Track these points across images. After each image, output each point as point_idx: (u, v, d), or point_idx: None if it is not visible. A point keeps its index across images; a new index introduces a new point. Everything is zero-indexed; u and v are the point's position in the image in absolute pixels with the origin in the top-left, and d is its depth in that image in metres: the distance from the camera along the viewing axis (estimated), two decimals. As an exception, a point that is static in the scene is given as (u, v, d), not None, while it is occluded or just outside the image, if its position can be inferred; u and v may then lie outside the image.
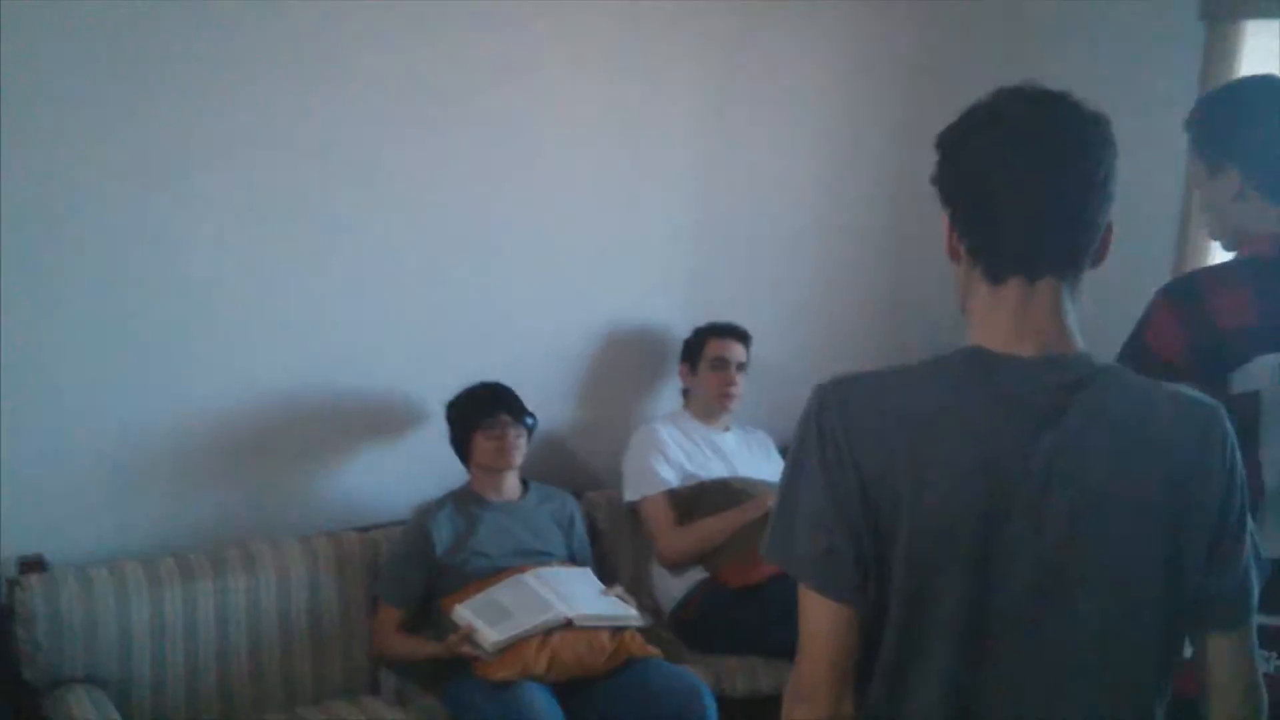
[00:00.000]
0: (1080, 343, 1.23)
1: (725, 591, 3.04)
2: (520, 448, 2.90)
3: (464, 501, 2.89)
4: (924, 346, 3.87)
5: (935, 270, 3.91)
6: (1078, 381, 1.19)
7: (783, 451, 3.52)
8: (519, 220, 3.14)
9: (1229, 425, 1.23)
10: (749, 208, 3.59)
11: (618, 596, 2.82)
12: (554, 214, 3.20)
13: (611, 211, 3.32)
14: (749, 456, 3.40)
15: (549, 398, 3.18)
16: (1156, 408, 1.21)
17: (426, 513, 2.85)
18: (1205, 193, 1.93)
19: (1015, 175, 1.20)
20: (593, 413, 3.40)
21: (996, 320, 1.23)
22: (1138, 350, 1.83)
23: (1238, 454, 1.23)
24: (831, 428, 1.19)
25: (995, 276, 1.24)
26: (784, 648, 2.83)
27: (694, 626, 3.09)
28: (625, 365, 3.45)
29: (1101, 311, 3.54)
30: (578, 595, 2.75)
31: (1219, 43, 3.41)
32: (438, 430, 2.96)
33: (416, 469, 3.05)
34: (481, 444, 2.86)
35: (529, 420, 2.92)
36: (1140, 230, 3.61)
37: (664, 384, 3.51)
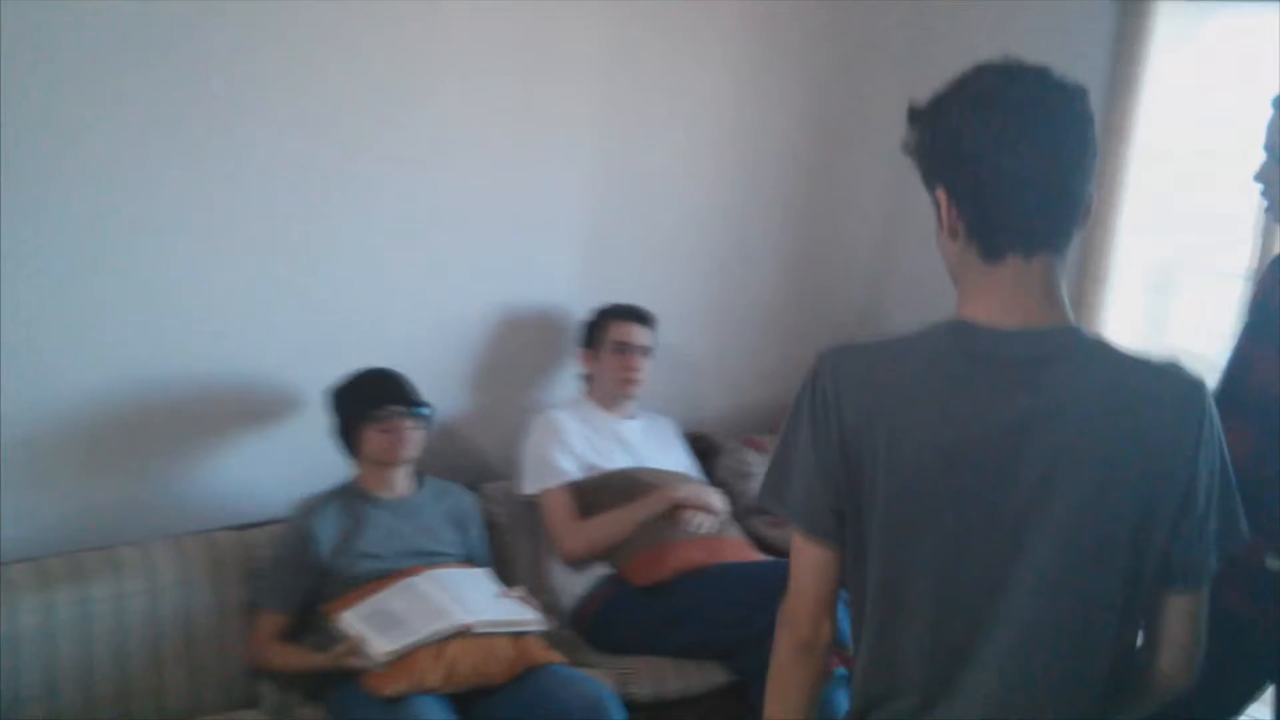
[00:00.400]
0: (1070, 315, 1.29)
1: (630, 589, 2.89)
2: (415, 441, 2.70)
3: (350, 498, 2.68)
4: (830, 329, 3.88)
5: (841, 253, 3.90)
6: (1059, 351, 1.26)
7: (690, 439, 3.43)
8: (407, 199, 2.92)
9: (1209, 401, 1.27)
10: (650, 188, 3.43)
11: (518, 599, 2.65)
12: (445, 192, 2.99)
13: (507, 190, 3.11)
14: (654, 445, 3.26)
15: (440, 384, 2.97)
16: (1135, 380, 1.27)
17: (309, 511, 2.63)
18: None
19: (1013, 155, 1.23)
20: (488, 400, 3.21)
21: (989, 295, 1.29)
22: None
23: (1216, 429, 1.28)
24: (823, 388, 1.32)
25: (992, 254, 1.28)
26: (689, 648, 2.75)
27: (595, 625, 2.93)
28: (522, 349, 3.26)
29: None
30: (475, 599, 2.57)
31: (1131, 22, 3.37)
32: (319, 420, 2.73)
33: (296, 462, 2.82)
34: (371, 437, 2.65)
35: (424, 411, 2.71)
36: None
37: (563, 369, 3.34)
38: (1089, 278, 3.58)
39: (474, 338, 3.14)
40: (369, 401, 2.65)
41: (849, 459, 1.30)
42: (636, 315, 3.19)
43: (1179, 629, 1.34)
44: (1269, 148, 2.14)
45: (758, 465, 3.56)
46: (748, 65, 3.56)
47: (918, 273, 4.01)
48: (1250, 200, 3.20)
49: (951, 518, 1.27)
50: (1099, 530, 1.25)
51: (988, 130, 1.23)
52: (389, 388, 2.67)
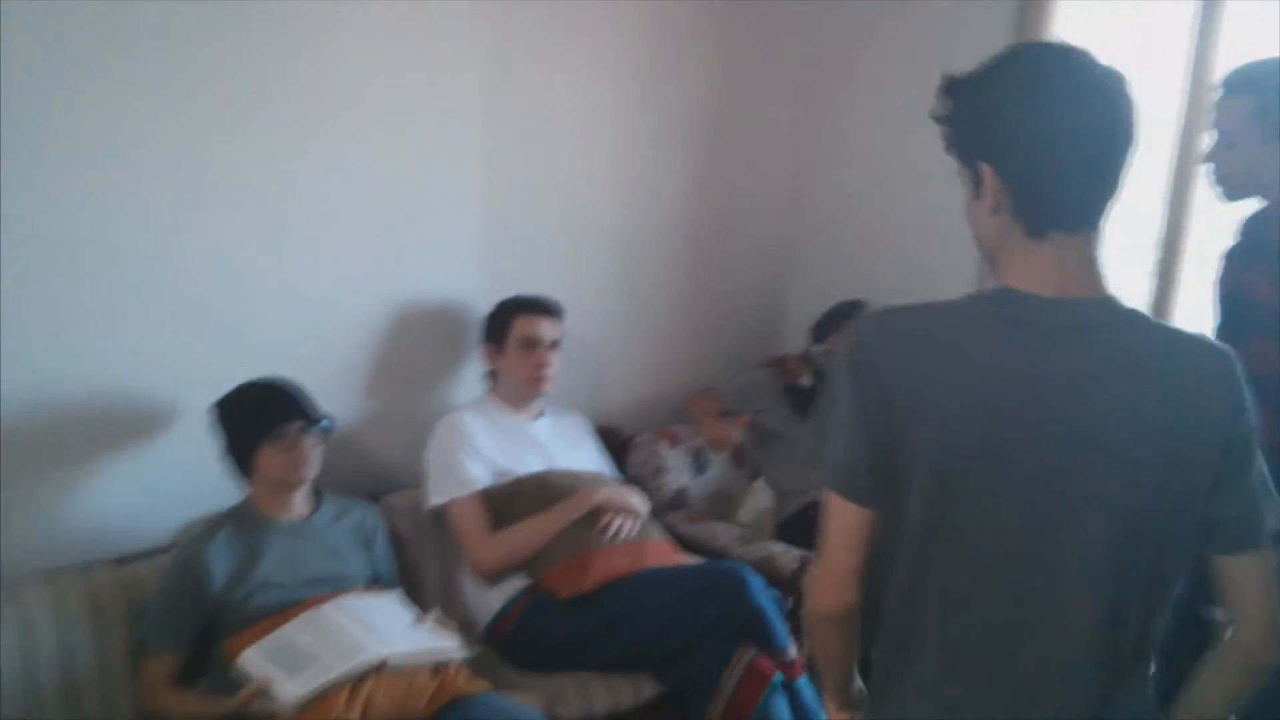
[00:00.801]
0: (1108, 287, 1.33)
1: (551, 602, 2.72)
2: (317, 458, 2.47)
3: (244, 523, 2.44)
4: (735, 314, 3.76)
5: (744, 238, 3.77)
6: (1098, 319, 1.30)
7: (599, 433, 3.26)
8: (284, 193, 2.65)
9: (1239, 371, 1.31)
10: (549, 175, 3.25)
11: (435, 625, 2.45)
12: (327, 185, 2.73)
13: (396, 180, 2.87)
14: (566, 444, 3.08)
15: (332, 390, 2.73)
16: (1172, 348, 1.31)
17: (199, 539, 2.38)
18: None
19: (1068, 136, 1.27)
20: (384, 404, 2.99)
21: (1031, 268, 1.32)
22: None
23: (1245, 398, 1.30)
24: (864, 349, 1.35)
25: (1037, 231, 1.31)
26: (618, 661, 2.58)
27: (514, 642, 2.75)
28: (420, 348, 3.04)
29: (939, 256, 3.47)
30: (389, 629, 2.36)
31: (1030, 16, 3.41)
32: (200, 437, 2.47)
33: (178, 485, 2.57)
34: (270, 457, 2.41)
35: (325, 424, 2.48)
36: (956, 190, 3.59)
37: (465, 367, 3.13)
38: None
39: (366, 338, 2.91)
40: (265, 418, 2.40)
41: (890, 417, 1.33)
42: (544, 307, 3.00)
43: (1250, 599, 1.36)
44: (1220, 130, 2.08)
45: (672, 458, 3.42)
46: (647, 50, 3.42)
47: (818, 255, 3.95)
48: (1155, 175, 3.22)
49: (992, 474, 1.30)
50: (1129, 496, 1.29)
51: (1045, 110, 1.26)
52: (286, 401, 2.43)
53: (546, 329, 2.98)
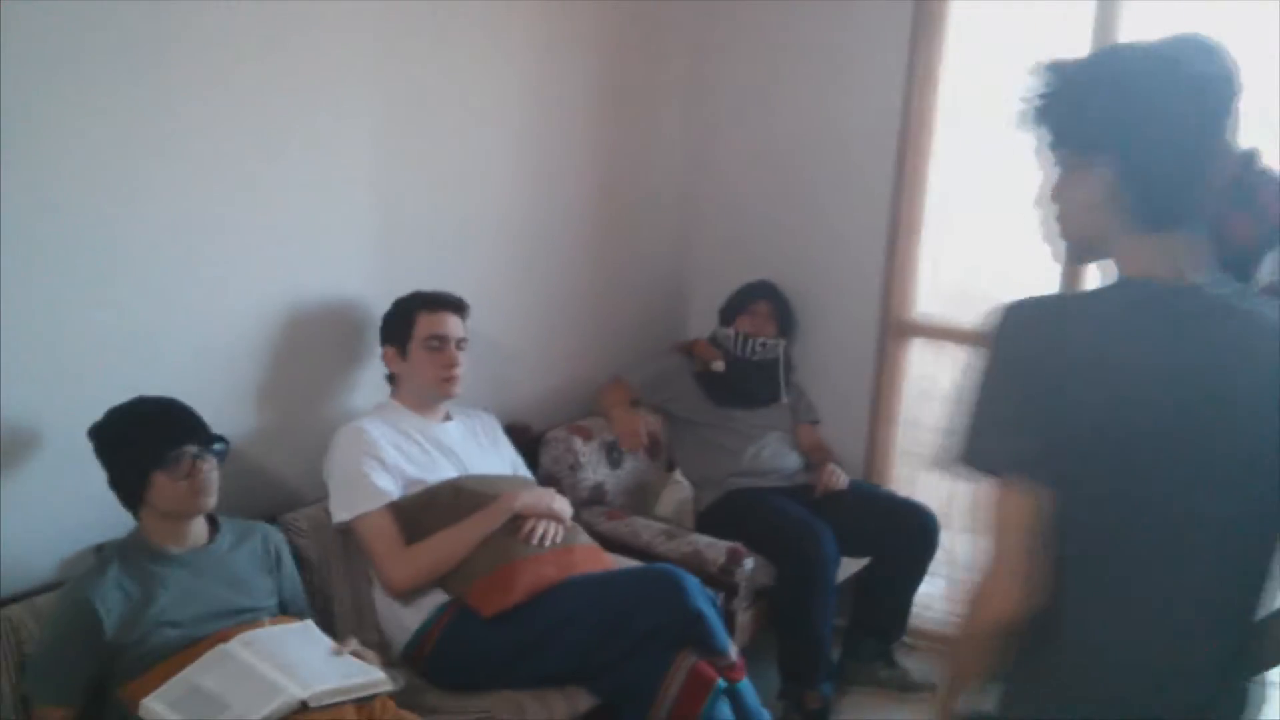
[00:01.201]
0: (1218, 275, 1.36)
1: (474, 619, 2.55)
2: (215, 483, 2.24)
3: (135, 557, 2.19)
4: (637, 303, 3.62)
5: (642, 227, 3.63)
6: (1229, 307, 1.33)
7: (507, 431, 3.08)
8: (156, 192, 2.38)
9: None
10: (444, 166, 3.04)
11: (355, 655, 2.26)
12: (200, 182, 2.46)
13: (278, 177, 2.62)
14: (478, 448, 2.90)
15: (220, 404, 2.45)
16: None
17: (85, 580, 2.13)
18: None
19: (1191, 132, 1.29)
20: (278, 416, 2.75)
21: (1152, 260, 1.34)
22: None
23: None
24: (1018, 339, 1.32)
25: (1158, 226, 1.33)
26: (549, 675, 2.41)
27: (436, 662, 2.58)
28: (312, 354, 2.80)
29: (832, 264, 3.43)
30: (306, 663, 2.16)
31: (926, 12, 3.39)
32: (78, 462, 2.21)
33: (57, 516, 2.30)
34: (165, 487, 2.17)
35: (221, 446, 2.26)
36: (863, 188, 3.54)
37: (364, 371, 2.92)
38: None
39: (253, 346, 2.66)
40: (156, 444, 2.16)
41: (1052, 405, 1.29)
42: (448, 303, 2.81)
43: None
44: None
45: (586, 454, 3.27)
46: (541, 39, 3.25)
47: (717, 238, 3.86)
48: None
49: (1164, 459, 1.30)
50: (1257, 476, 1.31)
51: (1178, 108, 1.28)
52: (177, 423, 2.20)
53: (452, 326, 2.79)
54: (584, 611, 2.51)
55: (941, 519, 3.35)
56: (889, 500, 3.46)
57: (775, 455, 3.48)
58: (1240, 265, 1.55)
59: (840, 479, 3.40)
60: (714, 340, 3.62)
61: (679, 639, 2.49)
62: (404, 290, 2.83)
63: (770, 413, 3.57)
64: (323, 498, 2.70)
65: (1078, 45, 3.13)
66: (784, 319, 3.58)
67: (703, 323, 3.85)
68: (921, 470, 3.83)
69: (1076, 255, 1.45)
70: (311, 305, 2.77)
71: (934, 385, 3.89)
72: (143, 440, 2.16)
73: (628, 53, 3.55)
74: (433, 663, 2.58)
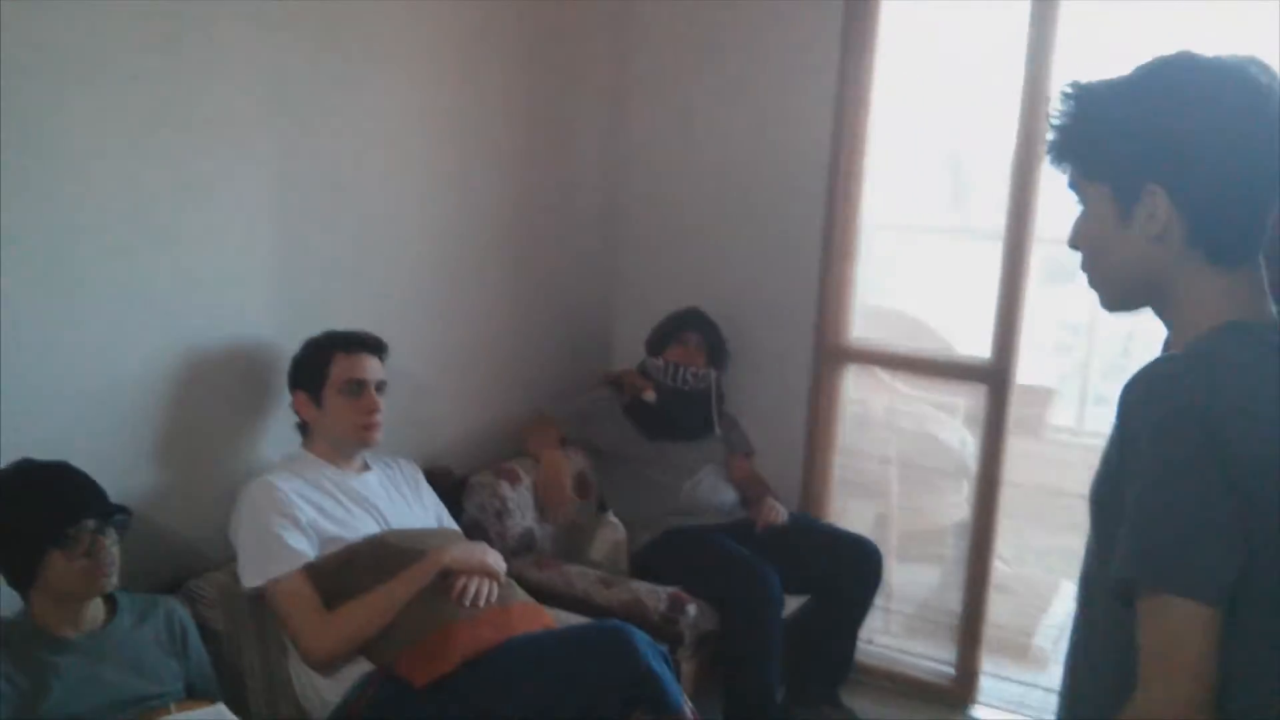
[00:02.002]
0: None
1: (403, 689, 2.32)
2: (117, 560, 1.99)
3: (23, 645, 1.93)
4: (561, 335, 3.45)
5: (565, 257, 3.46)
6: None
7: (429, 476, 2.86)
8: (31, 233, 2.10)
9: None
10: (351, 197, 2.80)
11: (275, 738, 2.03)
12: (87, 222, 2.20)
13: (172, 214, 2.37)
14: (399, 499, 2.68)
15: (107, 466, 2.14)
16: None
17: (-36, 677, 1.87)
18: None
19: (1251, 154, 1.18)
20: (176, 474, 2.48)
21: (1235, 302, 1.23)
22: None
23: None
24: (1200, 416, 1.13)
25: (1223, 258, 1.22)
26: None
27: (361, 737, 2.35)
28: (211, 403, 2.54)
29: (763, 290, 3.30)
30: (219, 754, 1.93)
31: (855, 35, 3.30)
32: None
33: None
34: (61, 567, 1.92)
35: (121, 518, 2.01)
36: (794, 212, 3.42)
37: (270, 418, 2.67)
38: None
39: (148, 395, 2.39)
40: (52, 517, 1.91)
41: (1249, 498, 1.13)
42: (366, 343, 2.59)
43: None
44: None
45: (514, 499, 3.07)
46: (457, 62, 3.06)
47: (640, 274, 3.72)
48: (998, 168, 3.13)
49: None
50: None
51: (1236, 127, 1.17)
52: (75, 493, 1.96)
53: (371, 368, 2.58)
54: (526, 676, 2.31)
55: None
56: (831, 534, 3.32)
57: (712, 490, 3.33)
58: None
59: (780, 513, 3.26)
60: (643, 371, 3.45)
61: (630, 700, 2.31)
62: (311, 329, 2.61)
63: (703, 445, 3.41)
64: (230, 560, 2.45)
65: (1011, 56, 3.06)
66: (715, 348, 3.44)
67: (628, 353, 3.68)
68: (851, 499, 3.73)
69: (1122, 299, 1.31)
70: (210, 349, 2.52)
71: (866, 411, 3.79)
72: (34, 513, 1.91)
73: (546, 78, 3.38)
74: (359, 739, 2.35)
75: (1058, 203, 3.04)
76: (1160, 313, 1.29)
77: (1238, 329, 1.22)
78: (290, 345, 2.60)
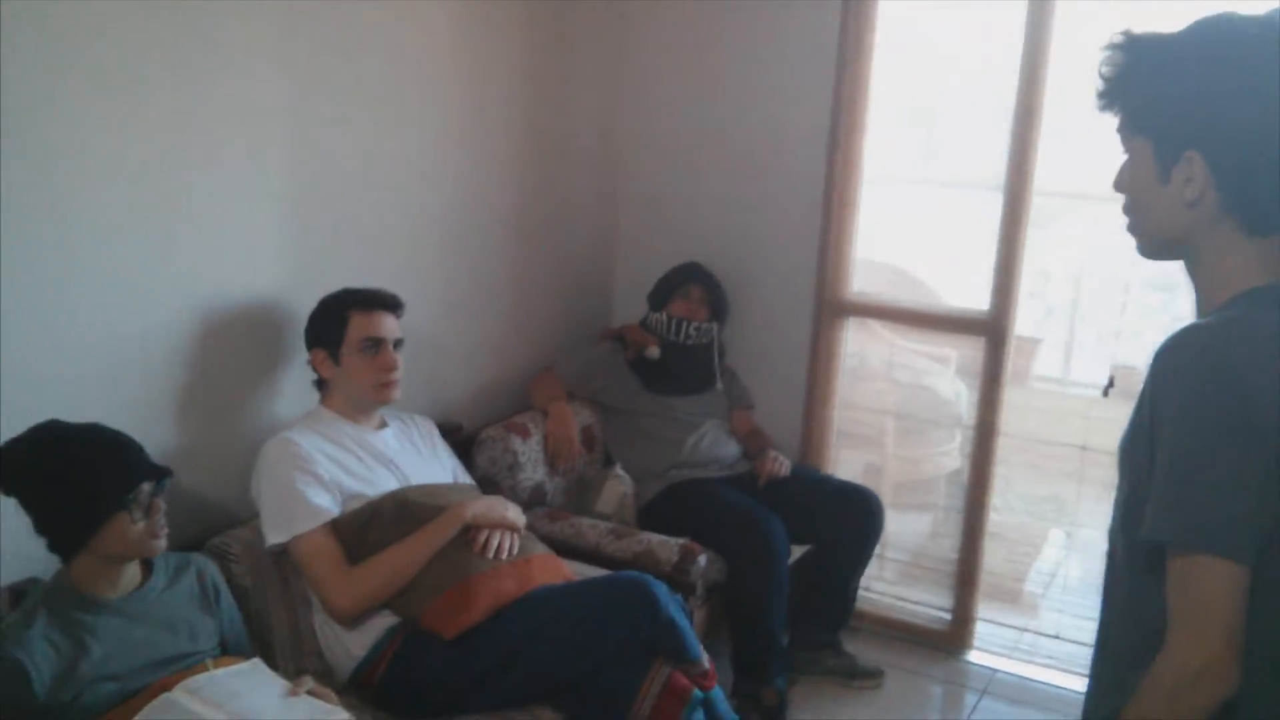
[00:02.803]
0: None
1: (427, 641, 2.37)
2: (166, 521, 2.03)
3: (62, 608, 1.95)
4: (566, 293, 3.47)
5: (568, 215, 3.46)
6: None
7: (441, 433, 2.89)
8: (45, 197, 2.10)
9: None
10: (362, 158, 2.81)
11: (310, 694, 2.07)
12: (101, 184, 2.19)
13: (184, 175, 2.36)
14: (416, 455, 2.72)
15: (130, 423, 2.12)
16: None
17: (9, 638, 1.89)
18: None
19: None
20: (197, 433, 2.50)
21: (1264, 267, 1.24)
22: None
23: None
24: (1232, 382, 1.16)
25: (1260, 228, 1.23)
26: (510, 697, 2.23)
27: (387, 689, 2.40)
28: (228, 362, 2.55)
29: (763, 244, 3.32)
30: (260, 706, 1.97)
31: (854, 23, 3.31)
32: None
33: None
34: (122, 530, 1.94)
35: (169, 480, 2.04)
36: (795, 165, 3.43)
37: (286, 375, 2.69)
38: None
39: (167, 356, 2.41)
40: (123, 480, 1.94)
41: (1270, 458, 1.15)
42: (384, 302, 2.61)
43: None
44: None
45: (525, 453, 3.10)
46: (463, 31, 3.06)
47: (642, 229, 3.74)
48: (996, 124, 3.16)
49: None
50: None
51: (1263, 89, 1.15)
52: (135, 456, 1.98)
53: (389, 326, 2.60)
54: (549, 627, 2.36)
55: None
56: (832, 485, 3.39)
57: (715, 444, 3.38)
58: None
59: (783, 466, 3.32)
60: (645, 326, 3.48)
61: (651, 650, 2.37)
62: (323, 288, 2.62)
63: (706, 399, 3.46)
64: (252, 517, 2.48)
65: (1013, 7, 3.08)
66: (716, 302, 3.47)
67: (629, 308, 3.72)
68: (844, 450, 3.79)
69: (1154, 251, 1.33)
70: (226, 309, 2.53)
71: (863, 365, 3.85)
72: (105, 475, 1.93)
73: (549, 38, 3.38)
74: (384, 690, 2.40)
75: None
76: (1190, 271, 1.32)
77: (1267, 293, 1.23)
78: (303, 303, 2.62)
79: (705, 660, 2.45)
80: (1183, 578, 1.18)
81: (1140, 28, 1.26)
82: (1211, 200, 1.23)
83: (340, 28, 2.67)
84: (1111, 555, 1.40)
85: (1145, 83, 1.24)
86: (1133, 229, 1.34)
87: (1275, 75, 1.16)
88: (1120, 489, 1.35)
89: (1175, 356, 1.22)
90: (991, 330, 3.33)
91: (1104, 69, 1.26)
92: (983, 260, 3.34)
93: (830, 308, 3.52)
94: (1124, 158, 1.31)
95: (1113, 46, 1.25)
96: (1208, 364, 1.18)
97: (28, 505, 1.94)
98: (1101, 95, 1.28)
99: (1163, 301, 4.76)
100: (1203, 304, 1.31)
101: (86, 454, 1.94)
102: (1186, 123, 1.21)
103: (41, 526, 1.94)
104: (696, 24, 3.53)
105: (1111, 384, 3.14)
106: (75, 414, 2.04)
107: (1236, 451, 1.15)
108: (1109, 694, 1.34)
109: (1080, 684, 3.23)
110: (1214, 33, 1.21)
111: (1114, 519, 1.38)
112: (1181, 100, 1.21)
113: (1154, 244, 1.32)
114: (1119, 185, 1.33)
